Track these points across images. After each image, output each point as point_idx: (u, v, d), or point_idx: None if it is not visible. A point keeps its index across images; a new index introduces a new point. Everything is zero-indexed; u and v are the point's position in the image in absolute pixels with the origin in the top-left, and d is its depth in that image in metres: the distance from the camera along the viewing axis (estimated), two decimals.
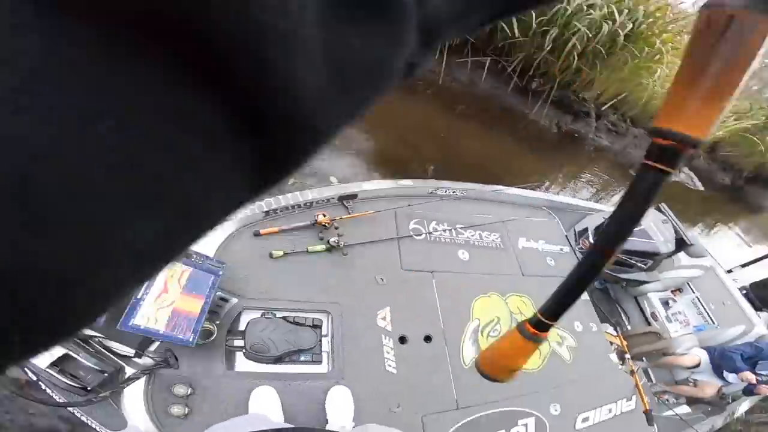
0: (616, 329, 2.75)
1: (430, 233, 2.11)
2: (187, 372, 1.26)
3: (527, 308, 2.13)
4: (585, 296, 2.61)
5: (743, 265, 3.30)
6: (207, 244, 1.51)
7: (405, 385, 1.61)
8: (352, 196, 2.05)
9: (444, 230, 2.16)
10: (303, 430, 0.83)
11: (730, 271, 3.18)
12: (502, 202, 2.57)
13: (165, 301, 1.16)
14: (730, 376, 2.51)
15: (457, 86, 5.71)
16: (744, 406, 2.67)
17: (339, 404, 1.42)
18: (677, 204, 3.00)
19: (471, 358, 1.81)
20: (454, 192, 2.38)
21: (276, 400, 1.34)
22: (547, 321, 0.84)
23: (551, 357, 2.05)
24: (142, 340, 1.19)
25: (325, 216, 1.85)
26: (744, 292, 3.01)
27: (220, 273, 1.33)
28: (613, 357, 2.31)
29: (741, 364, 2.46)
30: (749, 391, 2.42)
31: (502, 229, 2.37)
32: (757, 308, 2.87)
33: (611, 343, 2.46)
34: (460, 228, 2.21)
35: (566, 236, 2.66)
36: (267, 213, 1.77)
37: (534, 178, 3.14)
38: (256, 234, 1.68)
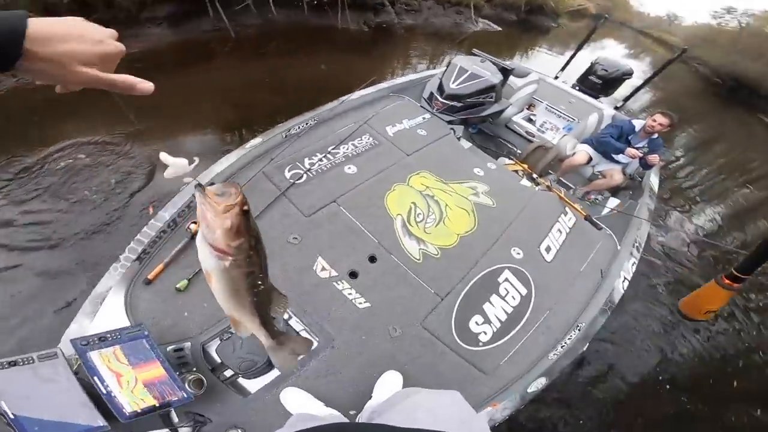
0: (510, 158, 3.13)
1: (309, 170, 2.03)
2: (220, 420, 1.25)
3: (430, 180, 2.25)
4: (467, 144, 2.87)
5: (562, 69, 4.00)
6: (114, 320, 1.38)
7: (385, 310, 1.63)
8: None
9: (320, 160, 2.10)
10: (338, 427, 0.84)
11: (556, 77, 3.83)
12: (354, 108, 2.59)
13: (129, 383, 1.13)
14: (620, 157, 2.91)
15: (253, 31, 5.28)
16: (654, 180, 2.98)
17: (387, 386, 1.43)
18: (488, 47, 3.42)
19: (418, 250, 1.86)
20: (306, 123, 2.29)
21: (303, 395, 1.33)
22: (740, 275, 1.30)
23: (478, 210, 2.15)
24: (160, 416, 1.17)
25: (197, 222, 1.64)
26: (577, 88, 3.66)
27: (146, 332, 1.28)
28: (525, 182, 2.54)
29: (618, 143, 2.84)
30: (645, 164, 2.82)
31: (368, 129, 2.41)
32: (594, 97, 3.54)
33: (516, 172, 2.71)
34: (333, 149, 2.18)
35: (421, 107, 2.83)
36: (139, 258, 1.54)
37: (373, 75, 3.20)
38: (147, 282, 1.49)
